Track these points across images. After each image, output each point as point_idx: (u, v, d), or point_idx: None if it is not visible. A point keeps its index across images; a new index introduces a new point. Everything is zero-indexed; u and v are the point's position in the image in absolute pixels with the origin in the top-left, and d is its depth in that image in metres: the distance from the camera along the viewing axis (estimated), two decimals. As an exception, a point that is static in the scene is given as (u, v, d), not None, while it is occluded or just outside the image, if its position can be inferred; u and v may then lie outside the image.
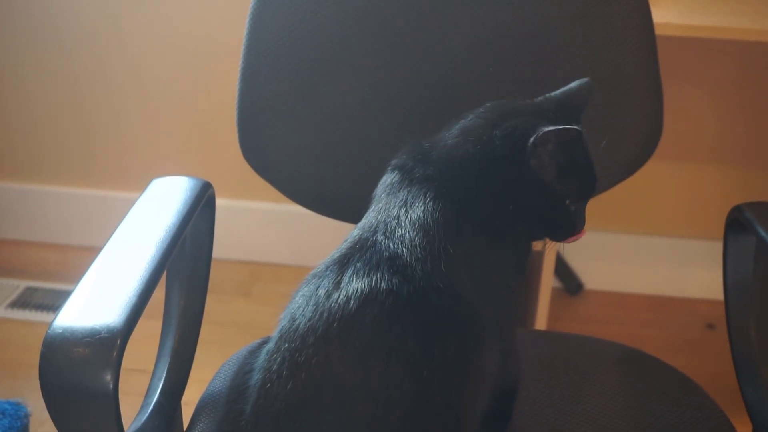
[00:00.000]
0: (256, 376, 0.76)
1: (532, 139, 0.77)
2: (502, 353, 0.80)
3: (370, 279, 0.74)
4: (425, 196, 0.79)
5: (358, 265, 0.76)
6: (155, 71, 1.96)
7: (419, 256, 0.76)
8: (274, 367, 0.74)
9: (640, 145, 1.03)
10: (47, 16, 1.93)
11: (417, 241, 0.77)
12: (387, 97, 1.02)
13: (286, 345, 0.74)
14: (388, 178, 0.84)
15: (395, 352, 0.72)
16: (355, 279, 0.74)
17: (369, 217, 0.83)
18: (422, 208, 0.79)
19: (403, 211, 0.79)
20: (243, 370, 0.81)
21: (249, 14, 1.02)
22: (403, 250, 0.76)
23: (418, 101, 1.02)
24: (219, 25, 1.89)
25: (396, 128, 1.03)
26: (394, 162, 0.86)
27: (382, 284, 0.73)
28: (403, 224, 0.78)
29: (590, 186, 0.82)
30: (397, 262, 0.75)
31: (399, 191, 0.82)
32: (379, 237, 0.78)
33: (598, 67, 1.00)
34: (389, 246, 0.77)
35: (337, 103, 1.02)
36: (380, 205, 0.83)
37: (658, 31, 1.02)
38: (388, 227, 0.79)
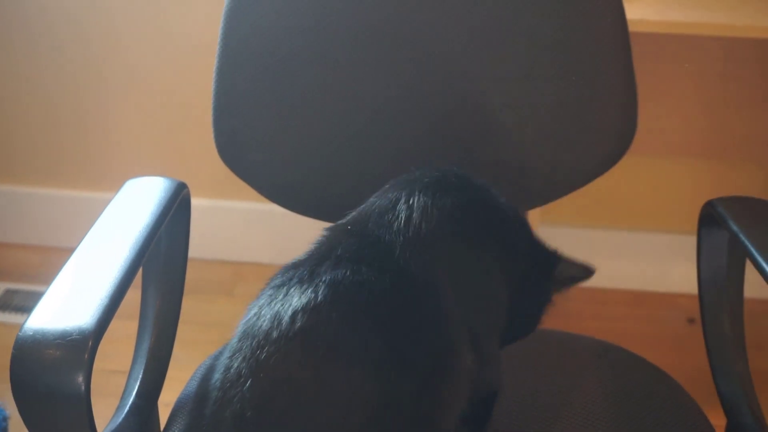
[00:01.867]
0: (216, 376, 0.75)
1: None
2: (480, 360, 0.78)
3: (344, 270, 0.73)
4: (424, 194, 0.81)
5: (340, 252, 0.75)
6: (131, 72, 1.95)
7: (402, 241, 0.76)
8: (234, 365, 0.72)
9: (616, 140, 1.03)
10: (19, 18, 1.91)
11: (405, 229, 0.77)
12: (361, 94, 1.02)
13: (248, 342, 0.72)
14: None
15: (359, 352, 0.70)
16: (330, 270, 0.73)
17: (358, 211, 0.83)
18: (419, 201, 0.80)
19: (400, 202, 0.81)
20: (209, 372, 0.81)
21: (223, 13, 1.01)
22: (387, 236, 0.77)
23: (393, 98, 1.02)
24: (195, 24, 1.88)
25: (372, 124, 1.03)
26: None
27: (356, 276, 0.72)
28: (397, 212, 0.80)
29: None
30: (379, 249, 0.75)
31: (396, 192, 0.83)
32: (370, 226, 0.79)
33: (573, 63, 1.01)
34: (375, 233, 0.78)
35: (313, 100, 1.02)
36: (372, 200, 0.84)
37: (633, 28, 1.03)
38: (380, 216, 0.80)
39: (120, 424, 0.84)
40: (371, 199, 0.85)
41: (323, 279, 0.72)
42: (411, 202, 0.81)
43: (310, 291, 0.72)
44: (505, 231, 0.86)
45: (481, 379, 0.80)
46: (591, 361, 1.01)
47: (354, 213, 0.85)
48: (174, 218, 0.90)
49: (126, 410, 0.86)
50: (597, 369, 1.00)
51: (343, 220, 0.85)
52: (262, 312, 0.73)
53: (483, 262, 0.83)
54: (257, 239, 2.08)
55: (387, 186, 0.86)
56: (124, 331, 1.05)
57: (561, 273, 0.87)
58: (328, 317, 0.70)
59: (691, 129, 1.88)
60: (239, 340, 0.74)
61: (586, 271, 0.88)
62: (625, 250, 2.02)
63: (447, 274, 0.78)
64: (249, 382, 0.70)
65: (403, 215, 0.80)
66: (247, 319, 0.75)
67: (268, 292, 0.75)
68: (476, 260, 0.83)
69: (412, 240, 0.78)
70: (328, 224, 0.91)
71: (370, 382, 0.70)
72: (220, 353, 0.80)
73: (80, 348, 0.66)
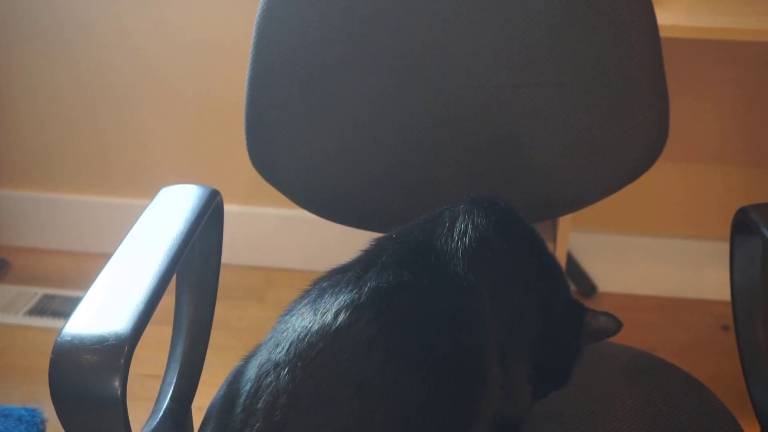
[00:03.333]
0: (249, 373, 0.76)
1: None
2: (506, 381, 0.79)
3: (388, 275, 0.75)
4: (471, 212, 0.84)
5: (385, 259, 0.77)
6: (166, 79, 1.98)
7: (446, 249, 0.79)
8: (270, 358, 0.73)
9: (647, 147, 1.03)
10: (57, 24, 1.95)
11: (450, 237, 0.80)
12: (394, 103, 1.03)
13: (286, 335, 0.73)
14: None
15: (397, 352, 0.71)
16: (375, 276, 0.75)
17: (405, 225, 0.86)
18: (466, 215, 0.84)
19: (445, 216, 0.85)
20: (238, 375, 0.82)
21: (256, 23, 1.03)
22: (431, 245, 0.79)
23: (426, 106, 1.03)
24: (227, 33, 1.91)
25: (404, 133, 1.03)
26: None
27: (399, 280, 0.74)
28: (443, 223, 0.83)
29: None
30: (423, 256, 0.78)
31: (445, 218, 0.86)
32: (415, 234, 0.82)
33: (604, 70, 1.01)
34: (420, 241, 0.81)
35: (344, 109, 1.03)
36: (420, 217, 0.87)
37: (665, 33, 1.03)
38: (426, 227, 0.83)
39: (155, 427, 0.85)
40: (419, 217, 0.88)
41: (368, 283, 0.74)
42: (458, 215, 0.84)
43: (354, 292, 0.73)
44: (545, 268, 0.88)
45: (505, 402, 0.80)
46: (623, 369, 1.01)
47: (401, 227, 0.87)
48: (207, 225, 0.91)
49: (161, 414, 0.87)
50: (629, 377, 0.99)
51: (390, 232, 0.87)
52: (304, 309, 0.75)
53: (521, 284, 0.84)
54: (288, 245, 2.09)
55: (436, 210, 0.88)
56: (159, 336, 1.07)
57: (590, 324, 0.88)
58: (369, 316, 0.72)
59: (724, 134, 1.86)
60: (277, 334, 0.75)
61: (615, 324, 0.88)
62: (658, 257, 2.01)
63: (487, 284, 0.79)
64: (285, 370, 0.71)
65: (448, 225, 0.83)
66: (286, 314, 0.77)
67: (314, 293, 0.77)
68: (515, 280, 0.84)
69: (456, 248, 0.79)
70: (358, 231, 0.92)
71: (405, 382, 0.71)
72: (252, 355, 0.81)
73: (117, 353, 0.67)
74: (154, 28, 1.93)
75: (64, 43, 1.97)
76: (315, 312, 0.74)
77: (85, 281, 0.78)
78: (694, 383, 0.98)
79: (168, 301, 0.85)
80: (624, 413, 0.93)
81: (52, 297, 2.01)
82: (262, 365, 0.74)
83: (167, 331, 0.95)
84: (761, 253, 0.93)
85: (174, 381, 0.90)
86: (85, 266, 2.11)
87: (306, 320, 0.73)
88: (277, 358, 0.72)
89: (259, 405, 0.72)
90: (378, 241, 0.85)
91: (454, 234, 0.81)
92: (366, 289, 0.73)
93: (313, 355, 0.71)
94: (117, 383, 0.65)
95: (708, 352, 1.84)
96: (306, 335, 0.72)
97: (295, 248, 2.09)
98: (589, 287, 2.02)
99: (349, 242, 0.90)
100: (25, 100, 2.04)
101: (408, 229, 0.86)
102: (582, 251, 2.02)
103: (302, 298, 0.79)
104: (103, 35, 1.95)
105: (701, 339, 1.90)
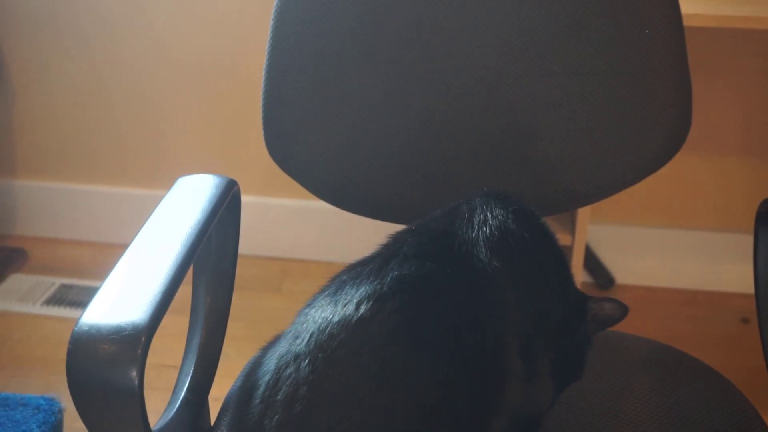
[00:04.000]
0: (268, 365, 0.75)
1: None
2: (529, 373, 0.78)
3: (410, 265, 0.74)
4: (489, 203, 0.84)
5: (406, 249, 0.77)
6: (183, 70, 1.98)
7: (467, 239, 0.79)
8: (290, 350, 0.72)
9: (669, 137, 1.02)
10: (73, 17, 1.95)
11: (470, 227, 0.80)
12: (409, 93, 1.02)
13: (307, 326, 0.73)
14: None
15: (420, 343, 0.70)
16: (397, 267, 0.74)
17: (423, 218, 0.86)
18: (484, 206, 0.84)
19: (463, 207, 0.85)
20: (255, 366, 0.81)
21: (273, 11, 1.02)
22: (451, 234, 0.80)
23: (441, 97, 1.02)
24: (245, 22, 1.90)
25: (419, 123, 1.02)
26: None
27: (421, 270, 0.74)
28: (462, 214, 0.83)
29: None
30: (443, 245, 0.78)
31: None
32: (434, 225, 0.82)
33: (627, 60, 0.99)
34: (440, 232, 0.81)
35: (361, 98, 1.02)
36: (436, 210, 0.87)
37: (687, 22, 1.01)
38: (444, 219, 0.83)
39: (172, 417, 0.85)
40: (435, 211, 0.87)
41: (390, 274, 0.74)
42: (476, 206, 0.84)
43: (376, 283, 0.73)
44: (558, 259, 0.87)
45: (527, 396, 0.79)
46: (643, 361, 1.00)
47: (418, 220, 0.87)
48: (224, 215, 0.91)
49: (178, 404, 0.87)
50: (649, 369, 0.98)
51: (408, 226, 0.86)
52: (324, 301, 0.75)
53: (540, 274, 0.84)
54: (305, 236, 2.09)
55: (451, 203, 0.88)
56: (176, 326, 1.07)
57: (596, 312, 0.87)
58: (392, 307, 0.71)
59: (748, 126, 1.84)
60: (297, 326, 0.75)
61: (621, 309, 0.87)
62: (675, 249, 1.99)
63: (510, 273, 0.78)
64: (306, 361, 0.71)
65: (467, 216, 0.82)
66: (306, 307, 0.76)
67: (334, 286, 0.77)
68: (536, 270, 0.84)
69: (478, 236, 0.79)
70: (374, 222, 0.91)
71: (427, 374, 0.70)
72: (269, 347, 0.81)
73: (134, 343, 0.66)
74: (171, 19, 1.93)
75: (81, 35, 1.97)
76: (336, 303, 0.73)
77: (102, 271, 0.78)
78: (716, 377, 0.97)
79: (185, 291, 0.85)
80: (642, 406, 0.92)
81: (70, 287, 2.02)
82: (282, 356, 0.73)
83: (184, 322, 0.95)
84: (785, 246, 0.91)
85: (191, 371, 0.90)
86: (103, 257, 2.12)
87: (327, 312, 0.73)
88: (297, 350, 0.72)
89: (279, 396, 0.71)
90: (396, 234, 0.84)
91: (474, 224, 0.81)
92: (388, 279, 0.73)
93: (334, 347, 0.70)
94: (134, 373, 0.65)
95: (727, 345, 1.83)
96: (327, 326, 0.71)
97: (311, 239, 2.09)
98: (606, 279, 2.01)
99: (364, 233, 0.89)
100: (42, 91, 2.05)
101: (426, 221, 0.85)
102: (600, 243, 2.01)
103: (322, 291, 0.78)
104: (120, 26, 1.95)
105: (720, 332, 1.89)
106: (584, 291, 0.90)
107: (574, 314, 0.86)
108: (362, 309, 0.71)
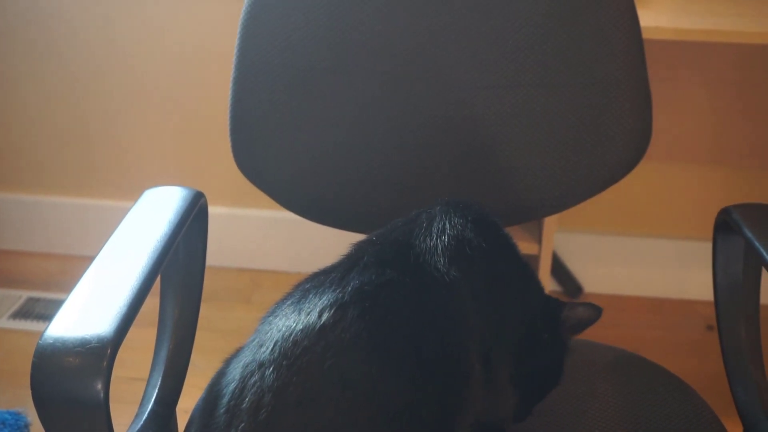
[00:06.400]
0: (233, 374, 0.76)
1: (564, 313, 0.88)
2: (487, 379, 0.79)
3: (370, 274, 0.75)
4: (447, 211, 0.85)
5: (366, 259, 0.78)
6: (152, 82, 1.97)
7: (425, 246, 0.80)
8: (255, 359, 0.73)
9: (631, 147, 1.03)
10: (44, 28, 1.94)
11: (428, 235, 0.81)
12: (378, 106, 1.03)
13: (271, 335, 0.73)
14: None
15: (381, 349, 0.71)
16: (358, 275, 0.75)
17: (384, 228, 0.86)
18: (442, 215, 0.85)
19: (422, 216, 0.86)
20: (220, 376, 0.81)
21: (240, 24, 1.03)
22: (410, 243, 0.80)
23: (411, 109, 1.03)
24: (212, 35, 1.90)
25: (386, 134, 1.03)
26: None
27: (381, 278, 0.75)
28: (420, 223, 0.84)
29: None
30: (403, 253, 0.79)
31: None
32: (394, 235, 0.83)
33: (588, 70, 1.01)
34: (399, 241, 0.81)
35: (329, 111, 1.03)
36: (397, 220, 0.87)
37: (648, 35, 1.03)
38: (404, 228, 0.84)
39: (139, 430, 0.85)
40: (396, 220, 0.88)
41: (352, 283, 0.75)
42: (434, 215, 0.85)
43: (338, 291, 0.74)
44: (520, 268, 0.89)
45: (487, 403, 0.80)
46: (607, 368, 1.01)
47: (380, 230, 0.88)
48: (192, 227, 0.91)
49: (145, 417, 0.86)
50: (613, 377, 0.99)
51: (369, 235, 0.87)
52: (288, 310, 0.75)
53: (500, 283, 0.85)
54: (274, 247, 2.09)
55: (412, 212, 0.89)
56: (143, 338, 1.06)
57: (569, 318, 0.88)
58: (353, 314, 0.72)
59: (706, 135, 1.87)
60: (261, 335, 0.75)
61: (595, 312, 0.89)
62: (642, 257, 2.02)
63: (468, 282, 0.79)
64: (270, 369, 0.71)
65: (425, 225, 0.83)
66: (269, 315, 0.77)
67: (297, 294, 0.77)
68: (495, 278, 0.84)
69: (435, 245, 0.80)
70: (344, 233, 0.92)
71: (389, 379, 0.71)
72: (233, 357, 0.81)
73: (99, 355, 0.66)
74: (140, 32, 1.92)
75: (51, 47, 1.96)
76: (299, 312, 0.74)
77: (70, 284, 0.77)
78: (677, 383, 0.99)
79: (152, 303, 0.84)
80: (608, 413, 0.93)
81: (37, 300, 1.99)
82: (247, 365, 0.74)
83: (151, 334, 0.95)
84: (743, 253, 0.93)
85: (158, 383, 0.90)
86: (70, 269, 2.10)
87: (290, 320, 0.73)
88: (261, 358, 0.72)
89: (244, 405, 0.72)
90: (358, 244, 0.85)
91: (433, 233, 0.82)
92: (349, 288, 0.74)
93: (298, 354, 0.71)
94: (100, 386, 0.65)
95: (693, 353, 1.85)
96: (291, 334, 0.72)
97: (281, 250, 2.09)
98: (574, 288, 2.02)
99: (335, 244, 0.90)
100: (10, 103, 2.03)
101: (386, 231, 0.86)
102: (567, 252, 2.03)
103: (285, 299, 0.79)
104: (89, 39, 1.94)
105: (686, 339, 1.91)
106: (553, 300, 0.91)
107: (542, 321, 0.87)
108: (325, 316, 0.72)
